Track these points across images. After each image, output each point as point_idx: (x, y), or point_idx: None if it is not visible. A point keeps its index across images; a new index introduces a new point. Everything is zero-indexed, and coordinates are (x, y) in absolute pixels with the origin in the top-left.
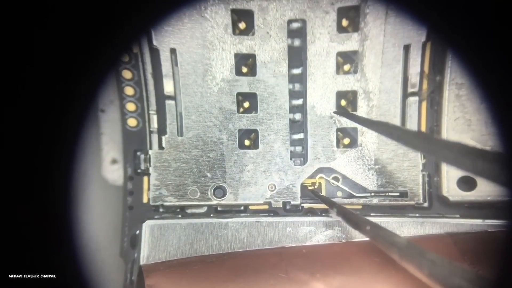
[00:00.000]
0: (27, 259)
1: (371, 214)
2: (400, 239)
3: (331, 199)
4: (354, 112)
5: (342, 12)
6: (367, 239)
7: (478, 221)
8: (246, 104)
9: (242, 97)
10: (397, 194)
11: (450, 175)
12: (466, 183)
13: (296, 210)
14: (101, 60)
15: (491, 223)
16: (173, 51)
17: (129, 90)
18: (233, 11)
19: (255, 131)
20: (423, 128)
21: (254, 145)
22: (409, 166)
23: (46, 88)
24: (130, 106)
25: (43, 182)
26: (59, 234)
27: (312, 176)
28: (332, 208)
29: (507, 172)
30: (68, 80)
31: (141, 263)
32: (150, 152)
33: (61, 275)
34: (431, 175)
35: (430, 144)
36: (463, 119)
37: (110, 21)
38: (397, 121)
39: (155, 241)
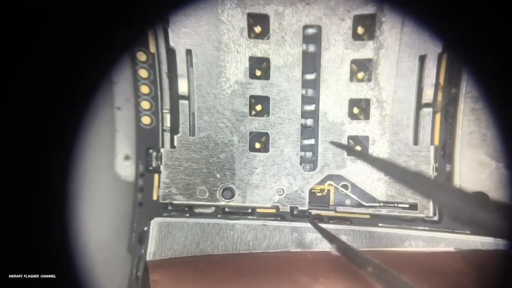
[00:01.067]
0: (26, 259)
1: (379, 224)
2: (405, 283)
3: (332, 234)
4: (367, 121)
5: (358, 20)
6: (373, 249)
7: (490, 239)
8: (259, 107)
9: (254, 100)
10: (407, 206)
11: None
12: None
13: (303, 216)
14: (115, 43)
15: (503, 241)
16: (189, 52)
17: (144, 89)
18: (250, 15)
19: (266, 134)
20: (436, 141)
21: (265, 148)
22: None
23: (51, 79)
24: (145, 104)
25: (43, 182)
26: (59, 234)
27: (321, 182)
28: (332, 243)
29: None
30: (75, 69)
31: (147, 259)
32: (162, 150)
33: (60, 275)
34: None
35: (431, 188)
36: (478, 133)
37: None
38: (410, 132)
39: (162, 238)
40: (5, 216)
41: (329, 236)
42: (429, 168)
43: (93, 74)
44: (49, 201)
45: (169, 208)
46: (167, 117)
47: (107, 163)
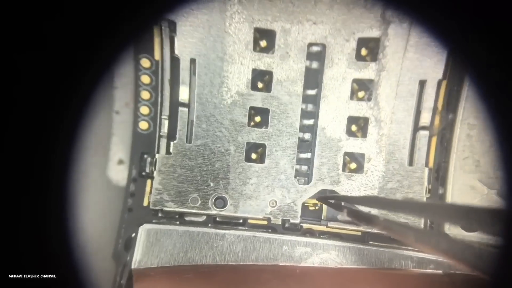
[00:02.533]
0: (26, 259)
1: (370, 242)
2: (413, 226)
3: (339, 204)
4: (364, 139)
5: (362, 42)
6: (362, 267)
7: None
8: (258, 119)
9: (254, 111)
10: None
11: None
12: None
13: (295, 229)
14: (115, 41)
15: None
16: (193, 61)
17: (145, 94)
18: (256, 30)
19: (263, 145)
20: (431, 163)
21: (261, 159)
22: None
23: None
24: (144, 110)
25: (43, 180)
26: (58, 234)
27: (315, 196)
28: (342, 210)
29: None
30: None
31: (133, 267)
32: (157, 155)
33: (60, 275)
34: None
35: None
36: (472, 159)
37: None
38: (405, 152)
39: (150, 246)
40: (5, 216)
41: (337, 206)
42: (422, 189)
43: (93, 71)
44: (48, 201)
45: (160, 215)
46: (165, 123)
47: (100, 166)
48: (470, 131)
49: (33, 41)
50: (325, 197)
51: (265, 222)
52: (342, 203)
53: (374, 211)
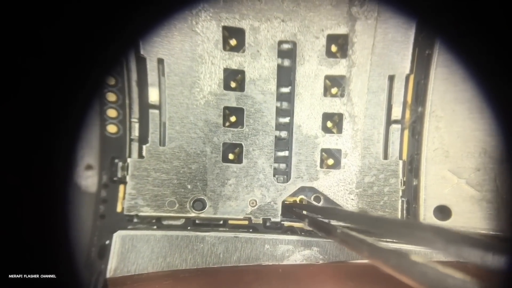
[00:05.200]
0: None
1: None
2: (367, 240)
3: (303, 212)
4: (339, 135)
5: (332, 39)
6: (343, 261)
7: (441, 253)
8: (233, 119)
9: (229, 111)
10: None
11: (427, 204)
12: (442, 213)
13: (276, 228)
14: (90, 74)
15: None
16: (160, 61)
17: (111, 96)
18: (225, 28)
19: (240, 145)
20: (405, 156)
21: (238, 159)
22: (389, 191)
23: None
24: (111, 113)
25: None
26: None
27: (294, 194)
28: (303, 220)
29: None
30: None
31: (108, 276)
32: (128, 160)
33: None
34: (410, 201)
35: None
36: (442, 150)
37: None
38: (380, 146)
39: (125, 253)
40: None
41: (299, 215)
42: (397, 182)
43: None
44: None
45: (135, 220)
46: (136, 126)
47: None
48: (438, 123)
49: None
50: (289, 205)
51: (246, 222)
52: (304, 212)
53: (350, 204)
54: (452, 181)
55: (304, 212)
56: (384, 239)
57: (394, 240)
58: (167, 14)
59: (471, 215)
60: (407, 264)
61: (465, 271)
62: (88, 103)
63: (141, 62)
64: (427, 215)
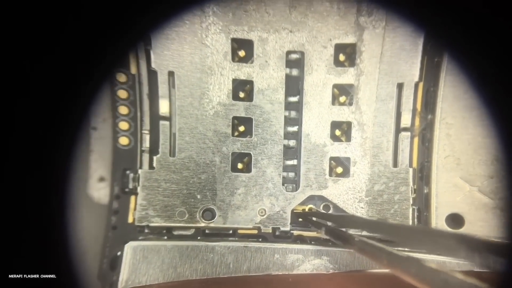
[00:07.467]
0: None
1: None
2: (387, 247)
3: (318, 220)
4: (348, 143)
5: (340, 48)
6: (353, 271)
7: (466, 261)
8: (241, 128)
9: (237, 121)
10: None
11: (439, 212)
12: (454, 221)
13: (286, 237)
14: (95, 73)
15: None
16: (171, 74)
17: (123, 109)
18: (234, 40)
19: (249, 155)
20: (415, 164)
21: (247, 168)
22: (399, 199)
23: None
24: (123, 125)
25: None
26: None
27: (303, 203)
28: (320, 228)
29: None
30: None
31: (120, 287)
32: (139, 171)
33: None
34: (421, 210)
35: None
36: (453, 158)
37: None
38: (389, 154)
39: (137, 264)
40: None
41: (316, 224)
42: (408, 190)
43: (74, 101)
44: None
45: (146, 231)
46: (147, 137)
47: (79, 185)
48: (449, 130)
49: None
50: (305, 213)
51: (255, 232)
52: (317, 220)
53: (360, 213)
54: (464, 188)
55: (320, 220)
56: (402, 248)
57: (413, 249)
58: (177, 8)
59: (485, 224)
60: (429, 273)
61: (488, 281)
62: (94, 96)
63: (152, 75)
64: (439, 224)
